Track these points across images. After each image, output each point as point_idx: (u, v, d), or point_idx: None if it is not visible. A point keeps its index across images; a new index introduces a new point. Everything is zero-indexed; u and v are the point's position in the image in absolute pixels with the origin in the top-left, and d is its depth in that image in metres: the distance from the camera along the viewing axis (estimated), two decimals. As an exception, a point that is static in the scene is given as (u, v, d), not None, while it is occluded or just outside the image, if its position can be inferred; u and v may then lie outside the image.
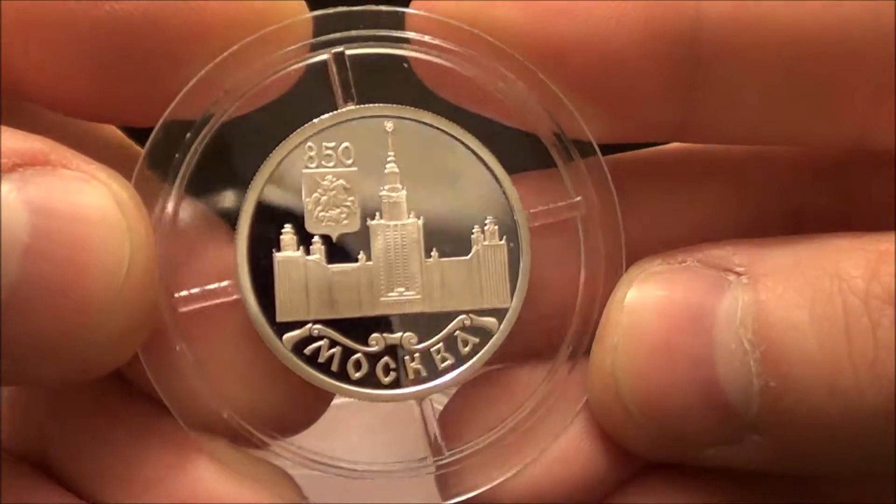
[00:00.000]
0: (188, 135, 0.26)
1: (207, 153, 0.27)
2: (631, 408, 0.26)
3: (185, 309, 0.26)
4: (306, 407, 0.28)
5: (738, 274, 0.26)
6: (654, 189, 0.30)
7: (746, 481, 0.28)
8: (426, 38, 0.27)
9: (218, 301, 0.26)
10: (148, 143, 0.26)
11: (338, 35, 0.27)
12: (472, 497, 0.28)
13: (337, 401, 0.28)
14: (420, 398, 0.27)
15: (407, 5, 0.27)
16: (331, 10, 0.27)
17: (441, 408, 0.28)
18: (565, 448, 0.28)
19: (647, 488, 0.29)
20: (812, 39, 0.26)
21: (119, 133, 0.29)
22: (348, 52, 0.27)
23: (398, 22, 0.27)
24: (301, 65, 0.27)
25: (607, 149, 0.28)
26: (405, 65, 0.27)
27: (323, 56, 0.27)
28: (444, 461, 0.27)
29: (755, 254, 0.26)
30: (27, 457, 0.28)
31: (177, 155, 0.26)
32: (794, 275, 0.26)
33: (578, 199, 0.28)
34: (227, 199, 0.27)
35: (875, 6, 0.26)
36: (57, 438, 0.28)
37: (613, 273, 0.28)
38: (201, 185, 0.27)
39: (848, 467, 0.27)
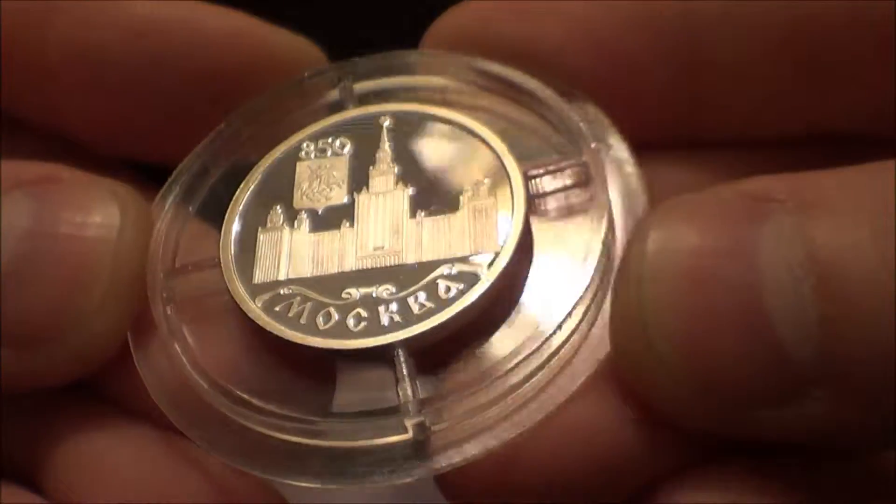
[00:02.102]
0: (204, 168, 0.28)
1: (220, 183, 0.28)
2: (661, 350, 0.21)
3: (169, 292, 0.26)
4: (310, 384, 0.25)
5: (781, 201, 0.22)
6: (666, 168, 0.27)
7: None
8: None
9: (201, 285, 0.26)
10: (174, 173, 0.28)
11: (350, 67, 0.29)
12: (462, 466, 0.22)
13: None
14: (392, 347, 0.23)
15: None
16: (349, 62, 0.29)
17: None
18: (586, 415, 0.22)
19: (706, 481, 0.22)
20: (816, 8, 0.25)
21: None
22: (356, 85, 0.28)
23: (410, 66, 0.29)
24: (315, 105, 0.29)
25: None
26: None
27: (335, 95, 0.28)
28: (421, 419, 0.23)
29: (798, 181, 0.22)
30: None
31: (196, 182, 0.28)
32: (847, 194, 0.21)
33: (582, 153, 0.25)
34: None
35: None
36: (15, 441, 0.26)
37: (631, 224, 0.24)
38: (212, 210, 0.28)
39: None
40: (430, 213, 0.25)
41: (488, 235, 0.24)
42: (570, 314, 0.23)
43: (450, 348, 0.24)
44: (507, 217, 0.25)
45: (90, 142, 0.30)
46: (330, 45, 0.29)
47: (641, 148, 0.26)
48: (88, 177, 0.27)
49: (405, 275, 0.24)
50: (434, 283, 0.24)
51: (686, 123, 0.28)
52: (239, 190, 0.27)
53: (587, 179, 0.25)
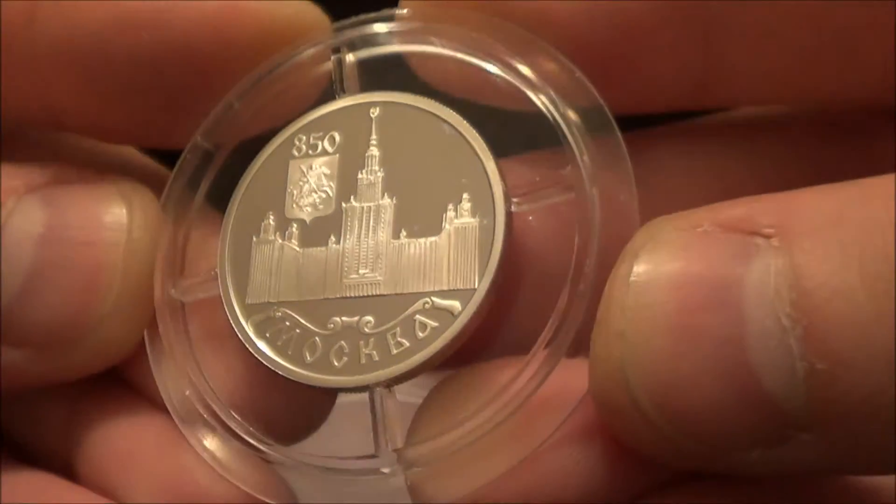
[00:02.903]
0: (209, 154, 0.28)
1: (225, 168, 0.28)
2: (645, 407, 0.21)
3: (176, 297, 0.27)
4: (304, 408, 0.26)
5: (767, 236, 0.21)
6: (664, 156, 0.25)
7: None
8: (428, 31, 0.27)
9: (205, 291, 0.27)
10: (177, 164, 0.28)
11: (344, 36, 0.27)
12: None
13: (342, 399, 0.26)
14: (371, 386, 0.24)
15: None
16: (350, 20, 0.28)
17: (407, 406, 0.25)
18: (561, 458, 0.23)
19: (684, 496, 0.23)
20: None
21: (139, 155, 0.31)
22: (351, 55, 0.27)
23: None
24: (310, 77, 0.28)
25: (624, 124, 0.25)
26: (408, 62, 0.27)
27: (328, 64, 0.27)
28: (396, 462, 0.24)
29: (785, 209, 0.21)
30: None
31: (200, 172, 0.28)
32: (837, 229, 0.20)
33: (567, 169, 0.24)
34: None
35: None
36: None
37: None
38: (222, 196, 0.28)
39: None
40: (411, 235, 0.25)
41: (467, 265, 0.24)
42: (550, 350, 0.23)
43: (428, 386, 0.24)
44: (488, 241, 0.24)
45: (93, 134, 0.30)
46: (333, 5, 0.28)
47: (648, 124, 0.25)
48: (95, 177, 0.27)
49: (385, 306, 0.24)
50: (412, 320, 0.24)
51: (700, 93, 0.26)
52: (235, 191, 0.27)
53: (573, 192, 0.24)
